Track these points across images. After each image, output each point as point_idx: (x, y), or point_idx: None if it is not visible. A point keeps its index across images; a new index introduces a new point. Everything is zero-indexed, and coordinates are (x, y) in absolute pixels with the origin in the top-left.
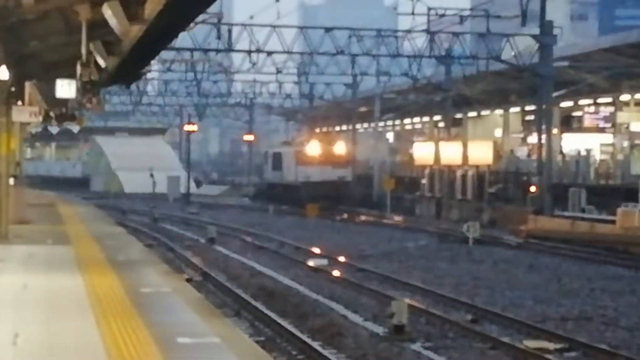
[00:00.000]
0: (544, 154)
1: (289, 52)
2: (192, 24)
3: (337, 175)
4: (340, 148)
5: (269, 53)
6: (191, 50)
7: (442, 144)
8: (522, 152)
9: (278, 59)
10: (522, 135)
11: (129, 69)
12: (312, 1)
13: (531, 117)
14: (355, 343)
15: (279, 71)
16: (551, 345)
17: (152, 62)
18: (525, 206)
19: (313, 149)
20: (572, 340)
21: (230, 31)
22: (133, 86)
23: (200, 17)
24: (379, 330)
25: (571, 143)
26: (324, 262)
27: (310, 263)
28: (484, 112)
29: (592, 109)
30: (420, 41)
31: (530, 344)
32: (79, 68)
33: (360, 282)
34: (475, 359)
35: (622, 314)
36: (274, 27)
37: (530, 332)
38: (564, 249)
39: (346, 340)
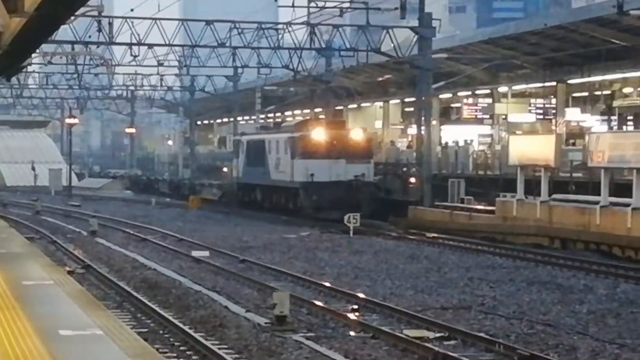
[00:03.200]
0: (423, 145)
1: (170, 45)
2: (72, 17)
3: (353, 173)
4: (357, 134)
5: (150, 46)
6: (72, 43)
7: None
8: (402, 144)
9: (159, 51)
10: (402, 126)
11: (10, 62)
12: None
13: (411, 109)
14: (237, 334)
15: (160, 64)
16: (431, 334)
17: (33, 55)
18: (406, 197)
19: (319, 134)
20: (451, 329)
21: (111, 24)
22: (14, 79)
23: (81, 10)
24: (261, 321)
25: (450, 134)
26: (206, 253)
27: (193, 255)
28: (364, 104)
29: (470, 100)
30: (300, 33)
31: (411, 332)
32: None
33: (242, 273)
34: (356, 349)
35: (500, 302)
36: (155, 19)
37: (410, 321)
38: (443, 239)
39: (228, 331)
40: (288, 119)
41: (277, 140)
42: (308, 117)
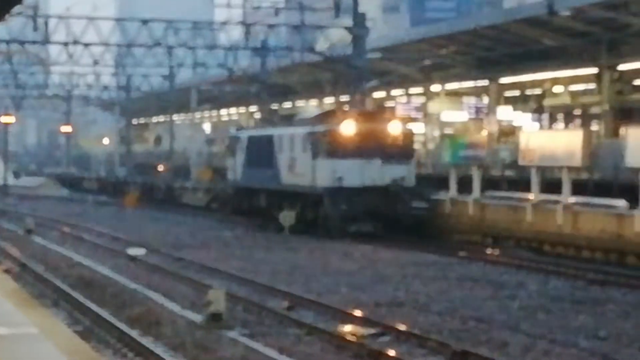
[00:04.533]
0: None
1: (106, 44)
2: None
3: (390, 176)
4: (396, 127)
5: (86, 45)
6: (7, 42)
7: None
8: None
9: (95, 50)
10: None
11: None
12: None
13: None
14: (173, 331)
15: (96, 63)
16: (365, 331)
17: None
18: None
19: (348, 128)
20: (385, 326)
21: (46, 23)
22: None
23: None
24: (197, 318)
25: None
26: (142, 251)
27: (129, 253)
28: (299, 102)
29: (404, 99)
30: (236, 33)
31: (345, 329)
32: None
33: (178, 271)
34: (291, 345)
35: (433, 299)
36: (91, 18)
37: (344, 318)
38: (377, 236)
39: (164, 328)
40: (223, 118)
41: (290, 136)
42: (332, 107)
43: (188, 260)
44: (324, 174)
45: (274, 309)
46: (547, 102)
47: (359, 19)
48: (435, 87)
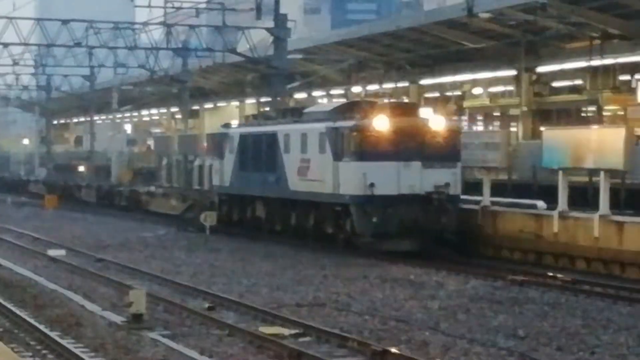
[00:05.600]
0: None
1: (25, 44)
2: None
3: (432, 183)
4: (438, 123)
5: (5, 45)
6: None
7: None
8: None
9: (15, 50)
10: None
11: None
12: None
13: (267, 109)
14: (93, 332)
15: (15, 63)
16: (286, 331)
17: None
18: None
19: (382, 124)
20: (306, 326)
21: None
22: None
23: None
24: (118, 319)
25: None
26: (62, 252)
27: (49, 254)
28: (220, 103)
29: (325, 100)
30: (157, 33)
31: (266, 330)
32: None
33: (99, 272)
34: (212, 346)
35: (354, 299)
36: (10, 18)
37: (266, 319)
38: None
39: (85, 329)
40: (144, 118)
41: (302, 133)
42: (356, 98)
43: (109, 261)
44: (350, 179)
45: (195, 309)
46: (466, 103)
47: (280, 20)
48: (356, 89)
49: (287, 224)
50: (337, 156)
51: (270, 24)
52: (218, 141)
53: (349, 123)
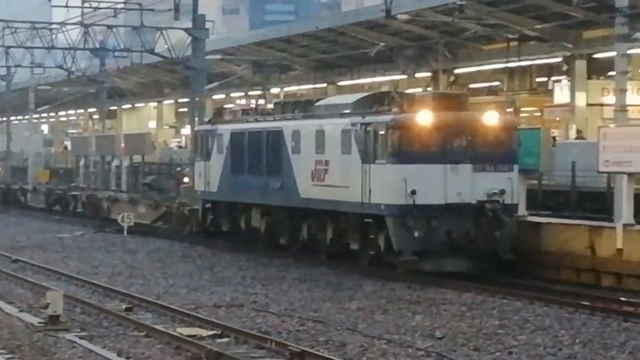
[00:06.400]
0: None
1: None
2: None
3: (486, 190)
4: (492, 118)
5: None
6: None
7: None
8: (176, 144)
9: None
10: (175, 126)
11: None
12: None
13: (185, 109)
14: (10, 334)
15: None
16: (204, 332)
17: None
18: (177, 197)
19: (425, 119)
20: (224, 327)
21: None
22: None
23: None
24: (35, 320)
25: None
26: None
27: None
28: (138, 104)
29: (243, 101)
30: (74, 33)
31: (184, 330)
32: None
33: (15, 273)
34: (130, 347)
35: (272, 300)
36: None
37: (183, 320)
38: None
39: (0, 331)
40: (62, 119)
41: (318, 130)
42: (385, 88)
43: (25, 262)
44: (386, 185)
45: (112, 310)
46: None
47: (199, 21)
48: (274, 90)
49: (295, 238)
50: (368, 158)
51: (189, 24)
52: (201, 140)
53: (385, 118)
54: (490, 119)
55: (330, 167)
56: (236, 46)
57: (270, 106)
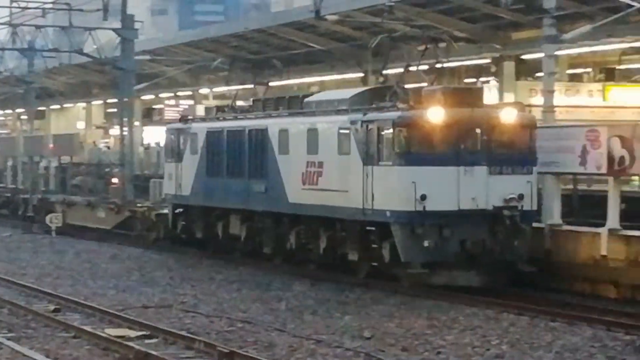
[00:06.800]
0: (125, 146)
1: None
2: None
3: (502, 195)
4: (509, 115)
5: None
6: None
7: None
8: (104, 144)
9: None
10: (104, 127)
11: None
12: None
13: (114, 110)
14: None
15: None
16: (133, 333)
17: None
18: (108, 197)
19: (436, 116)
20: (152, 327)
21: None
22: None
23: None
24: None
25: (153, 135)
26: None
27: None
28: (66, 105)
29: (172, 102)
30: (2, 33)
31: (112, 331)
32: None
33: None
34: (58, 348)
35: (201, 300)
36: None
37: (112, 320)
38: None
39: None
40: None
41: (310, 129)
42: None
43: None
44: (392, 189)
45: (40, 311)
46: None
47: (128, 21)
48: (203, 90)
49: (282, 247)
50: (370, 159)
51: (118, 24)
52: (173, 140)
53: (391, 114)
54: (508, 116)
55: (324, 169)
56: (165, 47)
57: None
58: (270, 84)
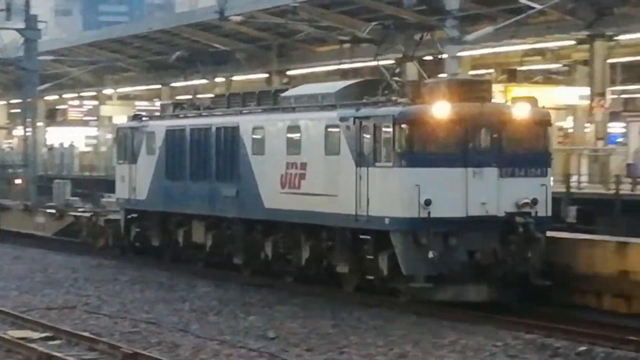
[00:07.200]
0: (29, 146)
1: None
2: None
3: (514, 200)
4: (522, 111)
5: None
6: None
7: None
8: (7, 145)
9: None
10: (8, 128)
11: None
12: None
13: (17, 110)
14: None
15: None
16: (36, 334)
17: None
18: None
19: (442, 111)
20: (56, 329)
21: None
22: None
23: None
24: None
25: (57, 135)
26: None
27: None
28: None
29: (76, 102)
30: None
31: (15, 333)
32: None
33: None
34: None
35: (105, 301)
36: None
37: (15, 322)
38: (49, 241)
39: None
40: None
41: (290, 126)
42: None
43: None
44: (392, 193)
45: None
46: None
47: (31, 21)
48: (107, 91)
49: (255, 257)
50: (365, 160)
51: (21, 24)
52: (126, 138)
53: (391, 110)
54: (521, 111)
55: (308, 171)
56: (69, 47)
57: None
58: (173, 84)
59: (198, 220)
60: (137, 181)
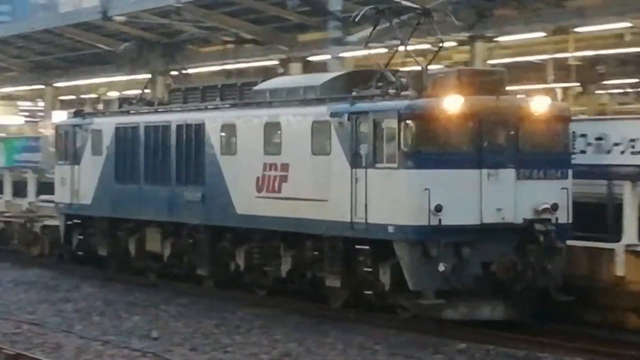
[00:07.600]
0: None
1: None
2: None
3: (533, 205)
4: (540, 105)
5: None
6: None
7: None
8: None
9: None
10: None
11: None
12: None
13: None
14: None
15: None
16: None
17: None
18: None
19: (453, 104)
20: None
21: None
22: None
23: None
24: None
25: None
26: None
27: None
28: None
29: None
30: None
31: None
32: None
33: None
34: None
35: None
36: None
37: None
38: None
39: None
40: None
41: (270, 123)
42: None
43: None
44: (396, 198)
45: None
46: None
47: None
48: None
49: (223, 268)
50: (362, 160)
51: None
52: (67, 137)
53: (395, 104)
54: (540, 105)
55: (291, 173)
56: None
57: None
58: (56, 84)
59: (154, 227)
60: (80, 184)
